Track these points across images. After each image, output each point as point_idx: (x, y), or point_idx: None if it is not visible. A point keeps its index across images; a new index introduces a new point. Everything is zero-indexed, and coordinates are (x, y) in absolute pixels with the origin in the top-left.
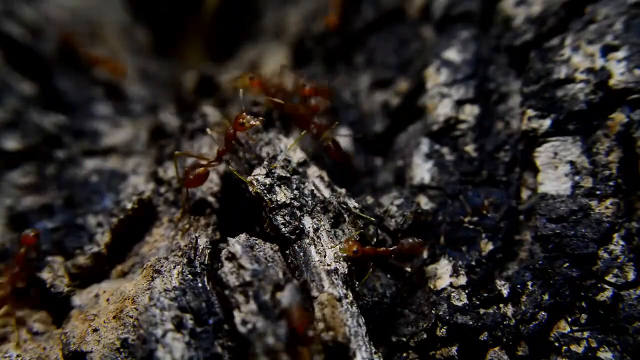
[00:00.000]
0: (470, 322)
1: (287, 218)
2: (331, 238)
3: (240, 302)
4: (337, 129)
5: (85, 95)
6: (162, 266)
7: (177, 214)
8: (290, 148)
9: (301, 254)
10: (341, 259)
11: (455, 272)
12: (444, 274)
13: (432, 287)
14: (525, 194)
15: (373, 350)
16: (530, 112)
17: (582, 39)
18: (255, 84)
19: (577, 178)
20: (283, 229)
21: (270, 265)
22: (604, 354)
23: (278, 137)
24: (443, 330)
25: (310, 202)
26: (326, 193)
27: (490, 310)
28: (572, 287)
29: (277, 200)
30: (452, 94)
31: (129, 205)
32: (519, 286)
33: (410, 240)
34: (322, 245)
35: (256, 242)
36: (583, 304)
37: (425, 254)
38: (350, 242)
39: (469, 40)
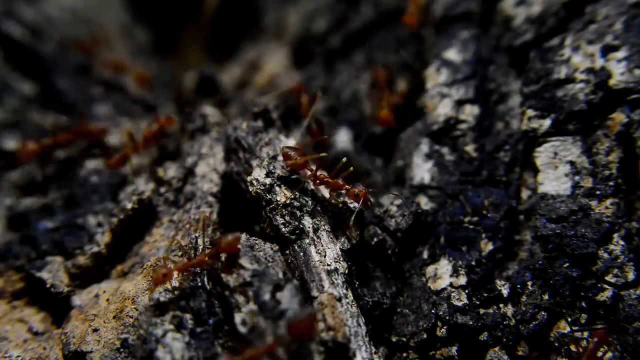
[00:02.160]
0: (470, 322)
1: (287, 218)
2: (331, 238)
3: (240, 302)
4: (337, 128)
5: (85, 95)
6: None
7: (177, 213)
8: None
9: (301, 254)
10: (341, 259)
11: (455, 272)
12: (444, 274)
13: (432, 287)
14: (525, 194)
15: (373, 350)
16: (530, 112)
17: (582, 39)
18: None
19: (577, 178)
20: (283, 229)
21: (270, 265)
22: (604, 354)
23: (278, 137)
24: (443, 330)
25: (310, 202)
26: (326, 193)
27: (490, 310)
28: (572, 287)
29: (277, 200)
30: (452, 94)
31: (129, 205)
32: (519, 286)
33: (226, 238)
34: (322, 245)
35: (256, 242)
36: (583, 304)
37: (426, 254)
38: (156, 272)
39: (469, 40)
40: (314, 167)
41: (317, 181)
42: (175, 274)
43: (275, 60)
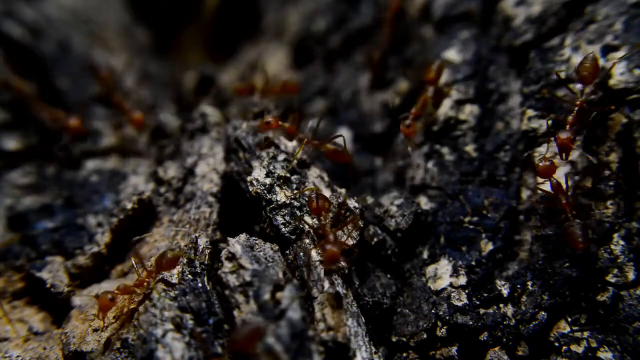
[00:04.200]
0: (470, 322)
1: (287, 218)
2: None
3: (240, 302)
4: (336, 128)
5: (85, 95)
6: None
7: (177, 213)
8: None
9: (301, 254)
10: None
11: (455, 272)
12: (444, 274)
13: (432, 287)
14: (525, 194)
15: (373, 350)
16: (530, 112)
17: (582, 39)
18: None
19: (577, 178)
20: (283, 229)
21: (270, 265)
22: (604, 354)
23: (278, 137)
24: (443, 330)
25: None
26: (326, 193)
27: (490, 310)
28: (572, 287)
29: (277, 200)
30: (452, 94)
31: (129, 205)
32: (519, 286)
33: (165, 258)
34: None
35: (256, 242)
36: (583, 304)
37: (426, 254)
38: (101, 299)
39: (469, 40)
40: (322, 219)
41: (319, 235)
42: (120, 297)
43: (275, 60)
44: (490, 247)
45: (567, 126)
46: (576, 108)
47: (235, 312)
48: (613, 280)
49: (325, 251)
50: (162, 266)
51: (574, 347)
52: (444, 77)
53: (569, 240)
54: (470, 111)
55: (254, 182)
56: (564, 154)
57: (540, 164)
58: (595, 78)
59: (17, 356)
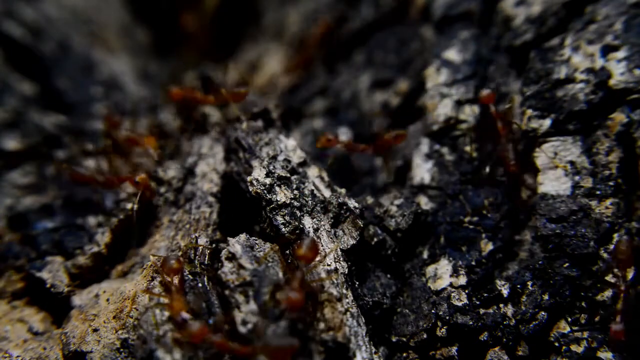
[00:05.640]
0: (470, 322)
1: (287, 218)
2: (331, 238)
3: (240, 302)
4: (336, 128)
5: (85, 95)
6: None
7: (177, 213)
8: None
9: None
10: (341, 259)
11: (455, 272)
12: (444, 274)
13: (432, 287)
14: (525, 194)
15: (373, 350)
16: (530, 112)
17: (582, 39)
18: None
19: (577, 178)
20: (283, 229)
21: (270, 265)
22: (604, 354)
23: (278, 137)
24: (443, 330)
25: (310, 202)
26: (326, 193)
27: (490, 310)
28: (572, 287)
29: (277, 200)
30: (452, 94)
31: (129, 205)
32: (519, 286)
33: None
34: (322, 245)
35: (256, 242)
36: (583, 304)
37: (426, 254)
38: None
39: (469, 40)
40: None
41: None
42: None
43: (275, 60)
44: (490, 247)
45: (618, 317)
46: (622, 295)
47: (235, 312)
48: (613, 280)
49: (287, 299)
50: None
51: (574, 347)
52: (443, 78)
53: (502, 163)
54: (470, 111)
55: (254, 182)
56: (614, 346)
57: (483, 93)
58: (633, 262)
59: (17, 356)
